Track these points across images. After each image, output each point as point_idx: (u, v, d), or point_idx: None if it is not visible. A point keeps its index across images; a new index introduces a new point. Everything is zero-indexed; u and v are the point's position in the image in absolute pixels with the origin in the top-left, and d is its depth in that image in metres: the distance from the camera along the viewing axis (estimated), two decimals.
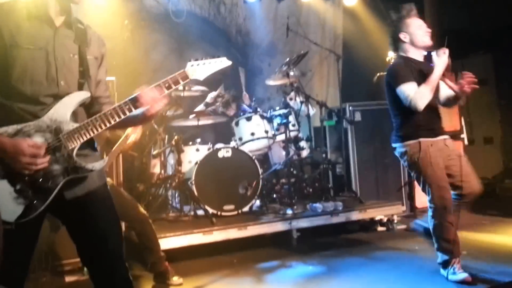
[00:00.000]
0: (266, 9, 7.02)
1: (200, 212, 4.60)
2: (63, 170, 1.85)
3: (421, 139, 3.25)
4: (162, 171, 4.84)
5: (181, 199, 4.86)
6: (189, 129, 5.41)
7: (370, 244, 4.47)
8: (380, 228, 4.95)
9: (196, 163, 4.62)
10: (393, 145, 3.42)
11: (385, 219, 4.97)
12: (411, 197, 5.46)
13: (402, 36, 3.35)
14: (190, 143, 4.93)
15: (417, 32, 3.35)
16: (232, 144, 5.03)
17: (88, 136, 1.90)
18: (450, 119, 6.05)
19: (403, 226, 4.98)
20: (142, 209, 3.57)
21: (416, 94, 3.14)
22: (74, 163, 1.87)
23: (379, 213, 4.92)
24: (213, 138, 5.39)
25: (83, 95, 1.94)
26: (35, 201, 1.80)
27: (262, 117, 5.09)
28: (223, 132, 5.51)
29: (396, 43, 3.41)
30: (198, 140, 5.01)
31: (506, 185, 5.95)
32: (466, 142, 6.04)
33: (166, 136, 4.96)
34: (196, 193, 4.52)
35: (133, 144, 3.53)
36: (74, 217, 1.94)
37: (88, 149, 1.97)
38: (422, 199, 5.53)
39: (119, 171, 4.31)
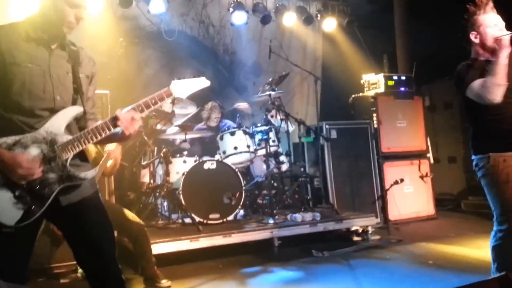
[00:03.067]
0: (252, 32, 7.25)
1: (188, 220, 4.70)
2: (58, 178, 1.95)
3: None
4: (152, 181, 4.92)
5: (170, 207, 4.96)
6: (176, 142, 5.53)
7: (346, 251, 4.63)
8: (355, 238, 5.12)
9: (183, 174, 4.73)
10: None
11: (360, 230, 5.14)
12: (384, 210, 5.66)
13: (472, 36, 2.79)
14: (178, 155, 5.04)
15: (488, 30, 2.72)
16: (217, 157, 5.16)
17: (81, 148, 2.02)
18: (416, 139, 6.33)
19: (377, 237, 5.16)
20: (137, 219, 3.66)
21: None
22: (68, 172, 1.98)
23: (354, 224, 5.09)
24: (199, 151, 5.51)
25: (77, 109, 2.06)
26: (33, 207, 1.90)
27: (245, 132, 5.25)
28: (208, 145, 5.65)
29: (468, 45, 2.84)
30: (185, 152, 5.13)
31: (469, 201, 6.21)
32: (431, 161, 6.31)
33: (155, 148, 5.06)
34: (183, 202, 4.62)
35: (112, 168, 3.57)
36: (69, 222, 2.04)
37: (80, 160, 2.08)
38: (394, 212, 5.76)
39: (110, 180, 4.37)
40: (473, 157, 2.84)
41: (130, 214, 3.70)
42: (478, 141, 2.78)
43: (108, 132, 2.04)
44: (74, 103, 2.06)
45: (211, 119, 5.84)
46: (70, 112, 2.04)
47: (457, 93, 2.84)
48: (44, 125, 1.96)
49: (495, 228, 2.73)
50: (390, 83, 6.32)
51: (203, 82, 2.29)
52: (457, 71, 2.78)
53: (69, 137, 1.99)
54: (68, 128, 2.03)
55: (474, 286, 1.61)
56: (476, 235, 4.92)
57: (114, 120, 2.04)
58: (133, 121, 2.05)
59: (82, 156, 2.10)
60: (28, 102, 1.94)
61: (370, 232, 5.12)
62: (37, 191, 1.91)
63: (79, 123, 2.12)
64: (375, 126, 6.08)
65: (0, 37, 1.96)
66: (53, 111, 1.99)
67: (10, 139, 1.90)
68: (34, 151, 1.92)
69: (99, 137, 2.03)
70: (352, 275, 3.89)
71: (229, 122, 5.93)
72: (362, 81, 6.60)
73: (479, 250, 4.29)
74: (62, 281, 3.74)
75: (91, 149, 3.39)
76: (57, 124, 1.99)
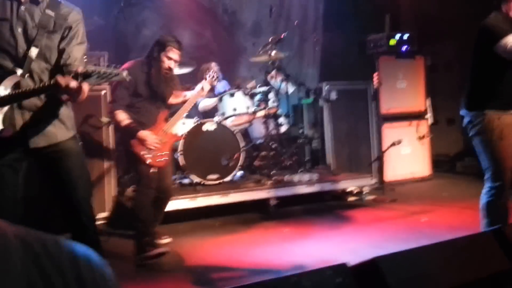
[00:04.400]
0: None
1: (186, 181, 4.77)
2: None
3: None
4: None
5: None
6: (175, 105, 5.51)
7: (341, 211, 4.72)
8: (351, 198, 5.19)
9: (183, 135, 4.76)
10: None
11: (355, 191, 5.20)
12: (380, 171, 5.70)
13: None
14: None
15: None
16: (216, 118, 5.16)
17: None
18: (416, 100, 6.27)
19: (372, 197, 5.23)
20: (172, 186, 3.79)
21: None
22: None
23: (350, 184, 5.15)
24: (198, 113, 5.51)
25: (15, 78, 2.11)
26: None
27: (245, 93, 5.22)
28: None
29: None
30: (184, 114, 5.11)
31: (465, 162, 6.22)
32: (430, 122, 6.27)
33: None
34: (182, 163, 4.68)
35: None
36: (50, 164, 2.21)
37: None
38: (390, 173, 5.80)
39: (112, 142, 4.42)
40: (465, 113, 2.85)
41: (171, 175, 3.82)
42: (476, 98, 2.79)
43: (42, 93, 2.10)
44: (38, 57, 2.13)
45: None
46: (11, 81, 2.11)
47: (479, 45, 2.78)
48: None
49: (487, 185, 2.79)
50: (392, 42, 6.18)
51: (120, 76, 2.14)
52: (487, 24, 2.70)
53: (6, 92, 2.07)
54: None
55: (468, 238, 1.64)
56: (469, 195, 4.92)
57: (54, 83, 2.01)
58: (68, 88, 1.95)
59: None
60: None
61: (365, 192, 5.18)
62: None
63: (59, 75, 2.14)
64: (375, 87, 6.02)
65: None
66: (17, 64, 2.11)
67: None
68: None
69: (33, 95, 2.09)
70: (346, 232, 3.98)
71: (226, 84, 5.89)
72: (364, 41, 6.47)
73: (472, 209, 4.33)
74: None
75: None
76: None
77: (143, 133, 3.41)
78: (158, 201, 3.62)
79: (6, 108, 2.10)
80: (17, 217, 2.20)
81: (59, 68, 2.18)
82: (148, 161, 3.42)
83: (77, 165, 2.26)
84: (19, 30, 2.12)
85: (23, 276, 0.54)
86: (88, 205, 2.31)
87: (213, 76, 3.90)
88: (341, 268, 1.29)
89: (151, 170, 3.45)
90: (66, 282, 0.55)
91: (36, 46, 2.13)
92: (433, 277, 1.41)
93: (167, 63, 3.54)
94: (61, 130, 2.22)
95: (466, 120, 2.86)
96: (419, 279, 1.38)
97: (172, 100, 3.86)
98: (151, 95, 3.57)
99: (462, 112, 2.89)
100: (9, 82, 2.11)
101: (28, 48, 2.13)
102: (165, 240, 3.73)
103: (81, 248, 0.60)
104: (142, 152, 3.41)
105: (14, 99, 2.09)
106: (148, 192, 3.46)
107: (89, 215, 2.32)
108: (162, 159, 3.51)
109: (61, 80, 1.94)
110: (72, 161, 2.23)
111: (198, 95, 3.89)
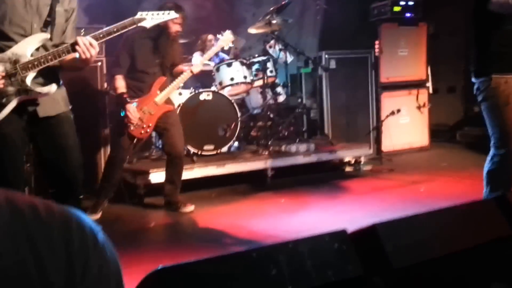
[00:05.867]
0: None
1: None
2: (15, 91, 2.25)
3: None
4: None
5: None
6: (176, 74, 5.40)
7: (338, 181, 4.67)
8: (348, 169, 5.15)
9: (179, 105, 4.66)
10: None
11: (352, 161, 5.15)
12: (378, 140, 5.63)
13: None
14: None
15: None
16: (213, 88, 5.06)
17: (40, 67, 2.26)
18: (417, 68, 6.15)
19: (369, 167, 5.18)
20: (182, 147, 3.91)
21: None
22: (25, 86, 2.26)
23: (347, 154, 5.10)
24: (194, 83, 5.40)
25: (43, 36, 2.30)
26: None
27: (242, 63, 5.11)
28: (203, 77, 5.51)
29: None
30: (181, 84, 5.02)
31: (465, 132, 6.14)
32: (430, 90, 6.16)
33: None
34: None
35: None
36: (46, 130, 2.38)
37: (45, 79, 2.33)
38: (387, 143, 5.74)
39: (108, 112, 4.37)
40: (474, 80, 2.79)
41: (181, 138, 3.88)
42: (481, 63, 2.73)
43: (66, 54, 2.27)
44: (44, 32, 2.31)
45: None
46: (37, 38, 2.30)
47: (477, 9, 2.74)
48: (13, 48, 2.25)
49: (492, 152, 2.74)
50: (397, 8, 6.01)
51: (171, 15, 2.61)
52: None
53: (31, 58, 2.25)
54: (34, 53, 2.27)
55: (470, 205, 1.58)
56: (469, 165, 4.91)
57: (74, 45, 2.25)
58: (91, 46, 2.24)
59: (49, 76, 2.35)
60: (8, 27, 2.24)
61: (362, 162, 5.13)
62: None
63: (47, 50, 2.34)
64: (376, 55, 5.89)
65: None
66: (27, 37, 2.28)
67: None
68: None
69: (58, 59, 2.26)
70: (343, 201, 3.94)
71: (223, 54, 5.76)
72: (367, 8, 6.29)
73: (471, 179, 4.30)
74: None
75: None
76: (23, 48, 2.26)
77: (128, 106, 3.54)
78: (172, 166, 3.79)
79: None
80: (25, 184, 2.39)
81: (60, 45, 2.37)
82: (130, 131, 3.56)
83: (73, 134, 2.47)
84: (34, 7, 2.30)
85: (8, 238, 0.54)
86: (81, 173, 2.48)
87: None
88: (339, 235, 1.25)
89: (130, 141, 3.64)
90: (52, 246, 0.56)
91: (47, 24, 2.31)
92: (432, 243, 1.36)
93: (173, 27, 3.61)
94: (63, 102, 2.45)
95: (475, 87, 2.80)
96: (418, 246, 1.33)
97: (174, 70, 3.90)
98: (152, 62, 3.59)
99: (472, 79, 2.84)
100: (34, 40, 2.28)
101: (40, 25, 2.31)
102: (189, 208, 3.78)
103: (75, 213, 0.60)
104: (127, 123, 3.54)
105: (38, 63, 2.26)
106: (114, 162, 3.69)
107: (79, 183, 2.47)
108: (143, 132, 3.63)
109: (82, 39, 2.23)
110: (70, 130, 2.45)
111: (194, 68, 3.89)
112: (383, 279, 1.27)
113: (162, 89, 3.69)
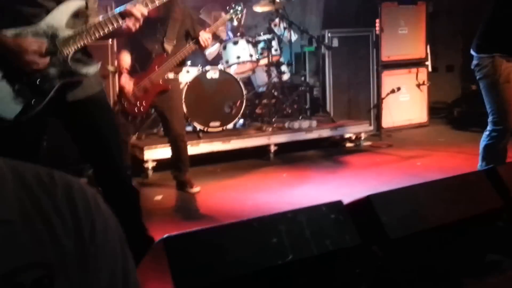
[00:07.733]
0: None
1: (189, 128, 4.70)
2: (58, 73, 1.84)
3: None
4: None
5: None
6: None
7: (338, 156, 4.68)
8: (348, 144, 5.15)
9: (186, 83, 4.65)
10: None
11: (353, 137, 5.14)
12: (378, 117, 5.61)
13: None
14: None
15: None
16: (220, 66, 5.04)
17: (83, 44, 1.88)
18: (416, 47, 6.07)
19: (369, 143, 5.17)
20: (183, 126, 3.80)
21: None
22: (69, 67, 1.86)
23: (348, 131, 5.09)
24: (202, 61, 5.37)
25: (79, 2, 1.89)
26: (33, 101, 1.79)
27: (248, 41, 5.07)
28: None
29: None
30: (188, 62, 5.00)
31: (463, 109, 6.10)
32: (430, 69, 6.10)
33: None
34: (185, 110, 4.60)
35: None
36: (78, 119, 1.97)
37: (83, 55, 1.96)
38: (387, 120, 5.71)
39: (115, 89, 4.33)
40: (474, 54, 2.76)
41: (179, 122, 3.71)
42: (486, 40, 2.70)
43: (115, 26, 1.91)
44: None
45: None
46: (72, 6, 1.87)
47: None
48: (45, 18, 1.80)
49: (489, 127, 2.75)
50: None
51: None
52: None
53: (71, 32, 1.84)
54: (70, 23, 1.87)
55: (461, 177, 1.60)
56: (465, 141, 4.90)
57: (123, 14, 1.92)
58: (142, 16, 1.96)
59: (86, 51, 1.99)
60: None
61: (362, 138, 5.12)
62: (38, 85, 1.80)
63: (80, 19, 1.95)
64: (377, 33, 5.81)
65: None
66: (59, 2, 1.84)
67: (9, 32, 1.74)
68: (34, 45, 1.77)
69: (104, 32, 1.89)
70: (343, 176, 3.96)
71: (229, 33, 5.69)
72: None
73: (467, 153, 4.29)
74: None
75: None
76: (58, 18, 1.83)
77: (123, 81, 3.39)
78: (174, 149, 3.68)
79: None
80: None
81: None
82: (125, 107, 3.41)
83: (110, 118, 2.09)
84: None
85: (16, 205, 0.54)
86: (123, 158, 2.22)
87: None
88: (336, 205, 1.26)
89: (125, 118, 3.48)
90: (58, 210, 0.56)
91: None
92: (426, 214, 1.38)
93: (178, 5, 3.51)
94: (95, 81, 2.02)
95: (474, 62, 2.77)
96: (413, 216, 1.35)
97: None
98: (153, 38, 3.48)
99: (472, 52, 2.79)
100: (68, 8, 1.87)
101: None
102: (195, 189, 3.70)
103: (76, 181, 0.61)
104: (122, 98, 3.41)
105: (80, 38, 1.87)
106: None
107: (125, 168, 2.20)
108: (137, 109, 3.45)
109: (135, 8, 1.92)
110: (105, 113, 2.05)
111: (192, 48, 3.70)
112: (381, 248, 1.29)
113: (160, 66, 3.53)
